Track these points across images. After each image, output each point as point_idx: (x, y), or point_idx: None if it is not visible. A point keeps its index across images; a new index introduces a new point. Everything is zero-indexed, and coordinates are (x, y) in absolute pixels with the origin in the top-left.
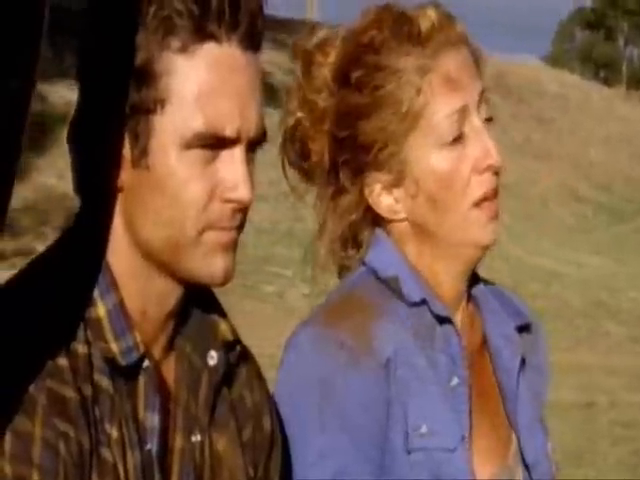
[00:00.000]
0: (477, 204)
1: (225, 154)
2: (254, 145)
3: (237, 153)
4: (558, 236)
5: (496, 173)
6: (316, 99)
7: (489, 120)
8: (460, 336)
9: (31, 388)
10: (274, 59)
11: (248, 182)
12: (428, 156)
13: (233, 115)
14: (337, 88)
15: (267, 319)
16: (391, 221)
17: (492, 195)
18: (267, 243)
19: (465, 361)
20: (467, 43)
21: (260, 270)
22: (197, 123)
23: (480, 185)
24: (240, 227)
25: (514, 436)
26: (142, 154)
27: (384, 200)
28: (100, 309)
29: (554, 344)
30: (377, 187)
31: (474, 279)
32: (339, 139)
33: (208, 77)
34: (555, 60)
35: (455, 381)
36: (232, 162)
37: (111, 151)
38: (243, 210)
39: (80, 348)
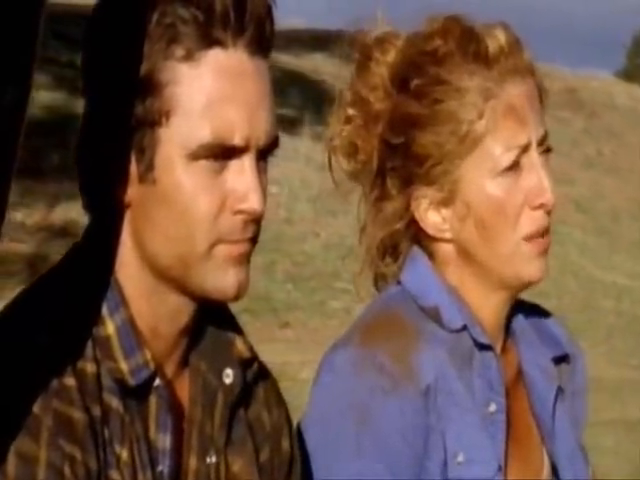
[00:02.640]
0: (527, 239)
1: (234, 164)
2: (265, 153)
3: (246, 162)
4: (630, 251)
5: (548, 212)
6: (370, 97)
7: (548, 151)
8: (499, 362)
9: (36, 408)
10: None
11: (259, 191)
12: (482, 181)
13: (241, 123)
14: (394, 91)
15: (334, 335)
16: (436, 240)
17: (543, 233)
18: (335, 258)
19: (503, 388)
20: (534, 73)
21: (328, 286)
22: (204, 133)
23: (532, 221)
24: (253, 239)
25: (546, 467)
26: (148, 168)
27: (431, 217)
28: (109, 327)
29: (624, 361)
30: (425, 202)
31: (514, 308)
32: (391, 145)
33: (214, 84)
34: (629, 74)
35: (493, 407)
36: (242, 172)
37: (117, 166)
38: (255, 221)
39: (88, 367)
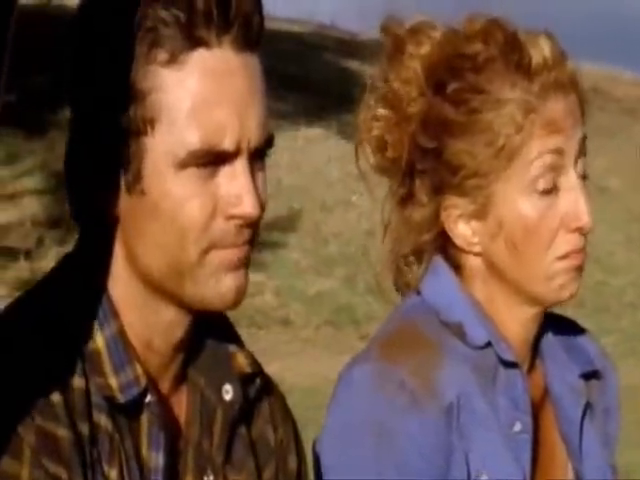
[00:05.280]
0: (561, 258)
1: (226, 168)
2: (261, 152)
3: (239, 165)
4: None
5: (585, 235)
6: (402, 92)
7: (584, 178)
8: (526, 380)
9: (19, 426)
10: None
11: (253, 195)
12: (517, 200)
13: (231, 125)
14: (429, 92)
15: None
16: (464, 252)
17: (578, 252)
18: None
19: (529, 407)
20: (576, 87)
21: None
22: (191, 140)
23: (567, 243)
24: (250, 242)
25: None
26: (136, 179)
27: (461, 229)
28: (99, 340)
29: None
30: (455, 213)
31: (542, 324)
32: (423, 147)
33: (200, 87)
34: None
35: (518, 427)
36: (234, 175)
37: (104, 177)
38: (251, 225)
39: (76, 383)
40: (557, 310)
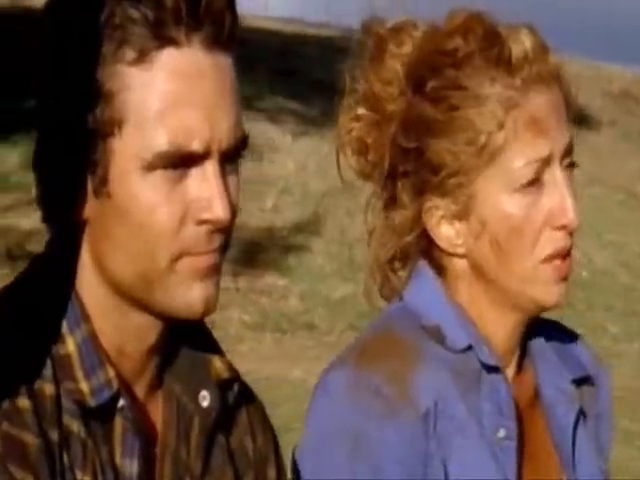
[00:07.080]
0: (547, 261)
1: (195, 171)
2: (233, 155)
3: (209, 168)
4: None
5: (571, 233)
6: (383, 93)
7: (572, 166)
8: (509, 385)
9: None
10: None
11: (224, 199)
12: (500, 198)
13: (199, 127)
14: (409, 90)
15: None
16: (448, 254)
17: (564, 255)
18: None
19: (513, 412)
20: (560, 80)
21: None
22: (159, 141)
23: (552, 242)
24: (222, 249)
25: None
26: (102, 182)
27: (444, 230)
28: (69, 344)
29: None
30: (438, 214)
31: (533, 327)
32: (404, 148)
33: (168, 88)
34: None
35: (502, 433)
36: (204, 179)
37: (71, 180)
38: (222, 230)
39: (47, 388)
40: (586, 313)
